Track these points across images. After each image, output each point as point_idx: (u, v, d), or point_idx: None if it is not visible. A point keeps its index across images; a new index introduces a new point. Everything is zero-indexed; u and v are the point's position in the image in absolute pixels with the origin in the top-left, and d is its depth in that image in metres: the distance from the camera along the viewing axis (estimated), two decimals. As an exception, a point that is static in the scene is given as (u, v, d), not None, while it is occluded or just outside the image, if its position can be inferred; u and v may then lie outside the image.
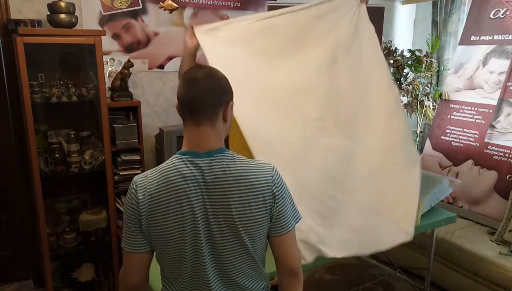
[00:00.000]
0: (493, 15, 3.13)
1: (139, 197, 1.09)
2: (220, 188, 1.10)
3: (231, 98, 1.17)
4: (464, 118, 3.15)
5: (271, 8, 3.20)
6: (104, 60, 2.55)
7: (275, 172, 1.16)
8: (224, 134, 1.18)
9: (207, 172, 1.10)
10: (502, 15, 3.08)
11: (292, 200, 1.21)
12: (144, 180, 1.12)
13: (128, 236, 1.14)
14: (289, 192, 1.20)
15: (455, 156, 3.12)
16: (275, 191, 1.14)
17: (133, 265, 1.16)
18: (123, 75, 2.73)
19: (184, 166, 1.10)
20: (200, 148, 1.12)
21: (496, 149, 2.89)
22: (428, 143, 3.36)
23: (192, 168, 1.10)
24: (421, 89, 3.86)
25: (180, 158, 1.11)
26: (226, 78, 1.17)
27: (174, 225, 1.09)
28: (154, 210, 1.09)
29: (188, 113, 1.12)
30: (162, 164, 1.14)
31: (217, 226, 1.11)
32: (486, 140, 2.96)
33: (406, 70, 3.89)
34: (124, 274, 1.18)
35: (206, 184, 1.10)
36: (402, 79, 3.89)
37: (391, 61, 3.82)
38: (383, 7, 3.33)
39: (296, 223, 1.21)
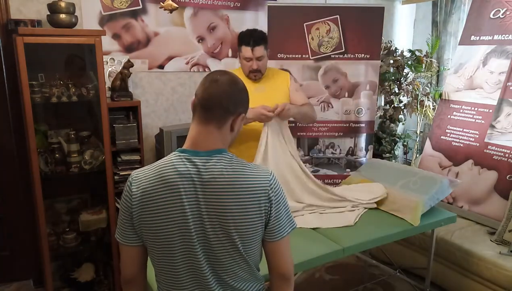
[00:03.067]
0: (493, 15, 3.13)
1: (133, 190, 1.11)
2: (216, 188, 1.10)
3: (244, 111, 1.19)
4: (464, 118, 3.15)
5: (271, 8, 3.20)
6: (104, 60, 2.55)
7: (273, 176, 1.16)
8: (228, 140, 1.19)
9: (203, 171, 1.10)
10: (502, 15, 3.08)
11: (288, 206, 1.20)
12: (140, 174, 1.13)
13: (120, 228, 1.17)
14: (285, 198, 1.19)
15: (455, 156, 3.12)
16: (271, 196, 1.13)
17: (125, 256, 1.19)
18: (123, 75, 2.73)
19: (181, 162, 1.10)
20: (201, 146, 1.13)
21: (496, 149, 2.89)
22: (428, 144, 3.36)
23: (188, 165, 1.10)
24: (421, 89, 3.86)
25: (179, 155, 1.12)
26: (247, 90, 1.19)
27: (163, 221, 1.09)
28: (146, 204, 1.10)
29: (200, 110, 1.13)
30: (161, 160, 1.15)
31: (211, 226, 1.10)
32: (486, 140, 2.96)
33: (406, 70, 3.89)
34: (121, 265, 1.21)
35: (201, 182, 1.10)
36: (402, 79, 3.89)
37: (391, 61, 3.83)
38: (383, 7, 3.33)
39: (292, 229, 1.20)
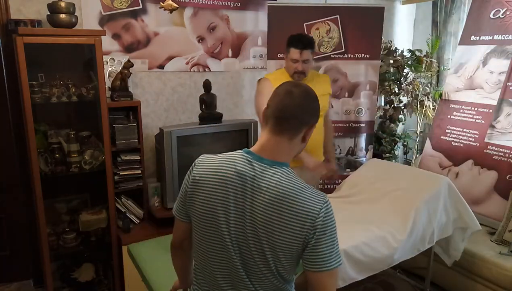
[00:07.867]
0: (493, 15, 3.13)
1: (193, 173, 1.17)
2: (266, 197, 1.07)
3: (316, 121, 1.18)
4: (464, 118, 3.15)
5: (271, 8, 3.20)
6: (104, 60, 2.55)
7: (326, 206, 1.09)
8: (295, 152, 1.18)
9: (260, 177, 1.09)
10: (502, 15, 3.08)
11: (336, 241, 1.12)
12: (205, 160, 1.18)
13: (177, 202, 1.26)
14: (335, 232, 1.11)
15: (455, 156, 3.12)
16: (318, 224, 1.06)
17: (175, 227, 1.29)
18: (123, 75, 2.73)
19: (242, 162, 1.12)
20: (267, 154, 1.12)
21: (496, 149, 2.89)
22: (428, 143, 3.36)
23: (248, 167, 1.11)
24: (421, 89, 3.86)
25: (243, 155, 1.14)
26: (318, 99, 1.19)
27: (207, 210, 1.13)
28: (198, 190, 1.14)
29: (274, 121, 1.13)
30: (227, 153, 1.18)
31: (252, 231, 1.09)
32: (486, 140, 2.96)
33: (406, 70, 3.89)
34: (173, 232, 1.32)
35: (253, 188, 1.09)
36: (402, 79, 3.89)
37: (391, 61, 3.83)
38: (383, 7, 3.33)
39: (337, 265, 1.10)
